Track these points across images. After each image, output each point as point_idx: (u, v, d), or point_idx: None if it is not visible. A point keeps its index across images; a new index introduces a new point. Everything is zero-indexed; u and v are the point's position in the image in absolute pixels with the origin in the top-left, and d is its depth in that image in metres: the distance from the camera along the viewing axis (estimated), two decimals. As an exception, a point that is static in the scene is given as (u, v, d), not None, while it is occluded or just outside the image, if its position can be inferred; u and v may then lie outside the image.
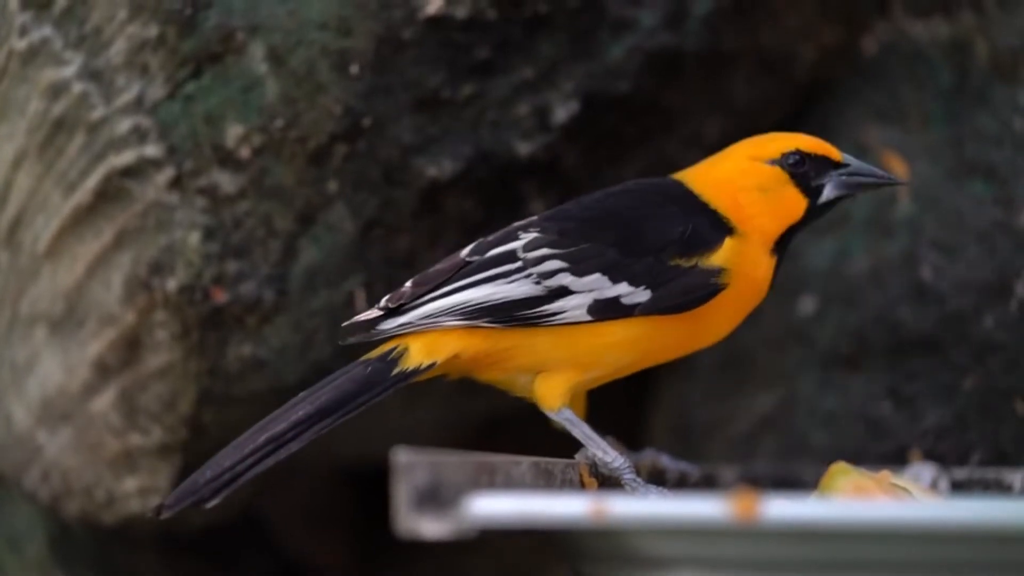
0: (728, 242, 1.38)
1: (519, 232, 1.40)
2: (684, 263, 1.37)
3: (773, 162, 1.42)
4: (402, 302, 1.39)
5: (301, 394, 1.36)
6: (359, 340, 1.40)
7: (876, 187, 1.45)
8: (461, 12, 1.57)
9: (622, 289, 1.37)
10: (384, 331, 1.39)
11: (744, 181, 1.42)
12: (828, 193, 1.42)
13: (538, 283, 1.37)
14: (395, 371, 1.37)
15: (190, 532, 1.77)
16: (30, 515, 1.82)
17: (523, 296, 1.37)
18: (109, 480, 1.66)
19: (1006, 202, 1.67)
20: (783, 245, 1.43)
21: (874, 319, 1.69)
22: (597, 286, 1.37)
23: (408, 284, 1.41)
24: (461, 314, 1.37)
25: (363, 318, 1.41)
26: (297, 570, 1.96)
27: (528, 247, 1.39)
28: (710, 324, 1.41)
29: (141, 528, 1.69)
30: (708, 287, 1.37)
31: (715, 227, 1.39)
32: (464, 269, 1.39)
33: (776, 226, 1.42)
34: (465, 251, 1.41)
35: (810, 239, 1.71)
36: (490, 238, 1.42)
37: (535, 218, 1.43)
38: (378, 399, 1.36)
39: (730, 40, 1.66)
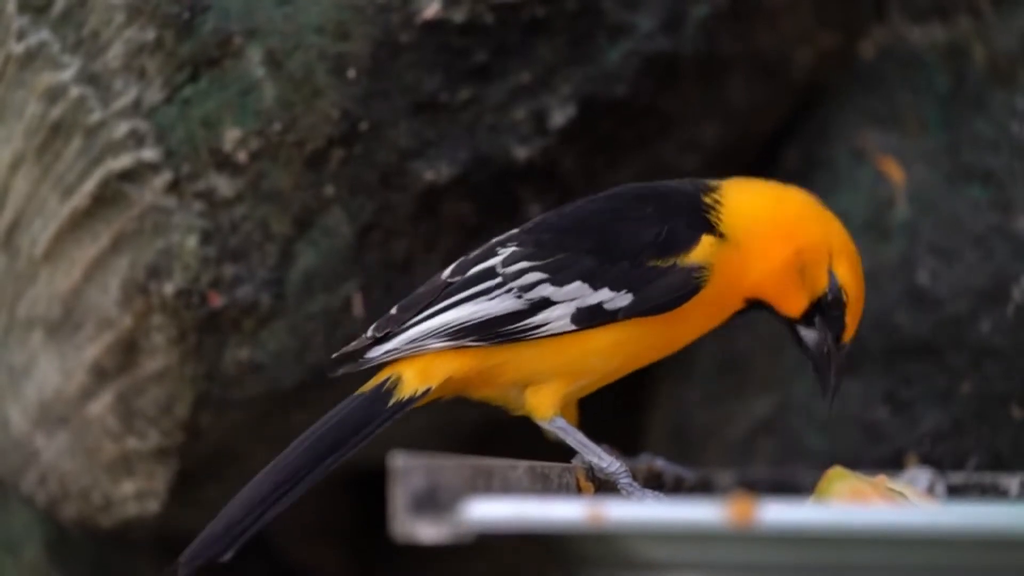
0: (705, 239, 1.38)
1: (497, 248, 1.40)
2: (662, 264, 1.37)
3: (831, 273, 1.40)
4: (388, 329, 1.39)
5: (303, 435, 1.35)
6: (348, 371, 1.40)
7: (819, 376, 1.43)
8: (458, 16, 1.57)
9: (603, 295, 1.37)
10: (372, 359, 1.39)
11: (799, 244, 1.40)
12: (807, 337, 1.42)
13: (519, 297, 1.37)
14: (391, 402, 1.37)
15: (187, 536, 1.77)
16: (27, 519, 1.82)
17: (505, 312, 1.37)
18: (106, 484, 1.65)
19: (1003, 206, 1.67)
20: (753, 308, 1.42)
21: (871, 323, 1.69)
22: (578, 294, 1.37)
23: (393, 310, 1.40)
24: (446, 335, 1.37)
25: (351, 348, 1.40)
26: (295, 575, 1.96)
27: (507, 262, 1.38)
28: (690, 322, 1.40)
29: (138, 532, 1.69)
30: (690, 284, 1.36)
31: (692, 226, 1.37)
32: (447, 290, 1.39)
33: (769, 293, 1.40)
34: (446, 272, 1.41)
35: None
36: (470, 256, 1.41)
37: (514, 231, 1.42)
38: (378, 431, 1.36)
39: (727, 44, 1.66)
